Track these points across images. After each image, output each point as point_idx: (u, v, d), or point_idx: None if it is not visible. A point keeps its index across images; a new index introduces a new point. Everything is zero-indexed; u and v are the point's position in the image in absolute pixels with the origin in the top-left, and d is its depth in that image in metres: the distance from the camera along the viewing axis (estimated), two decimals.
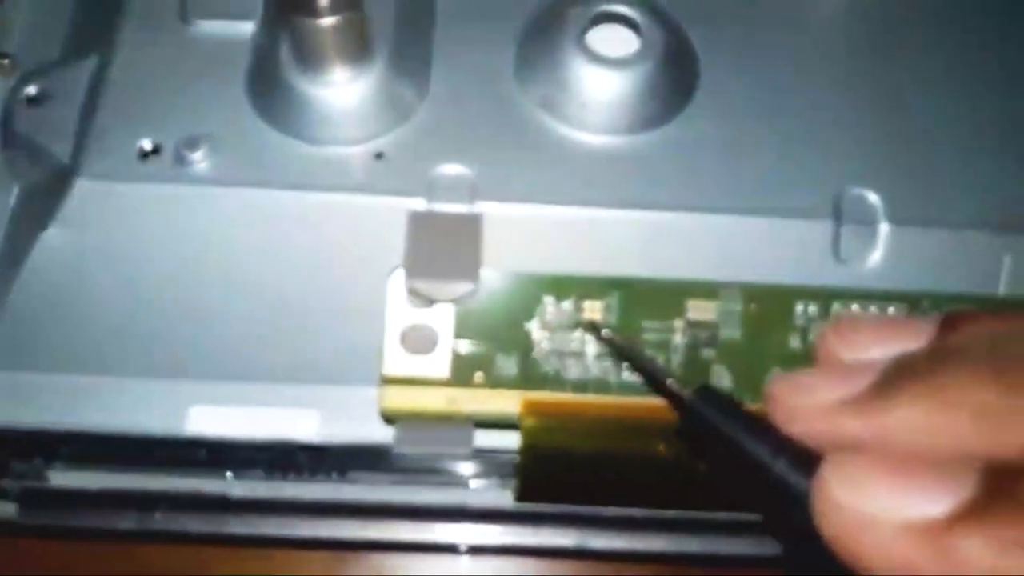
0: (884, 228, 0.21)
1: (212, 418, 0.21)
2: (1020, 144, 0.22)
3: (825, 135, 0.22)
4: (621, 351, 0.19)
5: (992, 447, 0.13)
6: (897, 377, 0.14)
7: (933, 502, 0.12)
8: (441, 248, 0.20)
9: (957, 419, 0.13)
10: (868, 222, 0.21)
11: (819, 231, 0.21)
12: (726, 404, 0.16)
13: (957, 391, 0.13)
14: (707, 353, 0.20)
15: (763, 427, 0.15)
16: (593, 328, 0.19)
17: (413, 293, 0.20)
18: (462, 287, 0.20)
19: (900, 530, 0.12)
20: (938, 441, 0.13)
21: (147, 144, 0.21)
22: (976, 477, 0.12)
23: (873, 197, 0.21)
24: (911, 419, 0.13)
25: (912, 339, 0.15)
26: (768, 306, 0.20)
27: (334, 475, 0.20)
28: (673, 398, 0.17)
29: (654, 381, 0.18)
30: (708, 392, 0.16)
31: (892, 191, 0.21)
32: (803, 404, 0.14)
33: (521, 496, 0.20)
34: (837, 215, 0.21)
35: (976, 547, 0.12)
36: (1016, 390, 0.13)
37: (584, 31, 0.22)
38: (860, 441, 0.14)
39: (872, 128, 0.22)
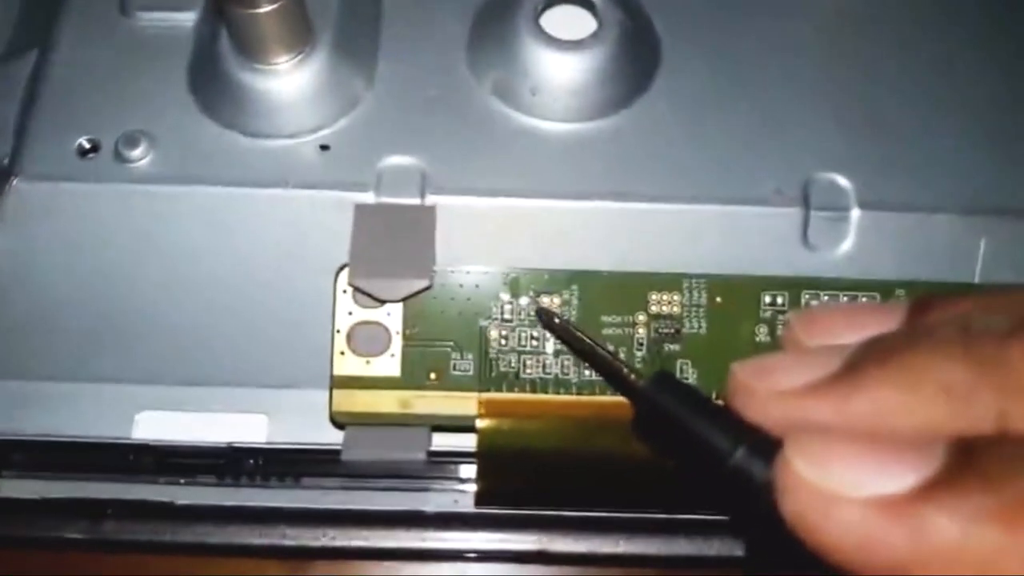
0: (855, 214, 0.20)
1: (160, 423, 0.20)
2: (991, 128, 0.21)
3: (793, 119, 0.21)
4: (575, 341, 0.18)
5: (961, 423, 0.12)
6: (864, 360, 0.13)
7: (899, 476, 0.12)
8: (390, 244, 0.19)
9: (926, 398, 0.12)
10: (838, 208, 0.20)
11: (787, 218, 0.20)
12: (683, 391, 0.15)
13: (926, 370, 0.12)
14: (671, 348, 0.19)
15: (722, 414, 0.14)
16: (547, 316, 0.18)
17: (361, 291, 0.19)
18: (413, 285, 0.19)
19: (865, 505, 0.12)
20: (907, 421, 0.12)
21: (86, 142, 0.20)
22: (943, 451, 0.12)
23: (843, 182, 0.20)
24: (879, 400, 0.13)
25: (882, 324, 0.14)
26: (734, 298, 0.19)
27: (287, 480, 0.20)
28: (628, 388, 0.16)
29: (609, 372, 0.17)
30: (665, 380, 0.15)
31: (862, 176, 0.20)
32: (765, 388, 0.14)
33: (480, 501, 0.19)
34: (806, 202, 0.20)
35: (942, 520, 0.11)
36: (984, 365, 0.12)
37: (539, 13, 0.21)
38: (825, 425, 0.13)
39: (841, 112, 0.21)
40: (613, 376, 0.17)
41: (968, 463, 0.12)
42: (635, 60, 0.21)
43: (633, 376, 0.16)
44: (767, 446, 0.13)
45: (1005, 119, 0.21)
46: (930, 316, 0.14)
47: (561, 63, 0.21)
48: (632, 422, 0.16)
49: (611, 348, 0.19)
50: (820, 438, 0.12)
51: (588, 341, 0.17)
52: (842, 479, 0.12)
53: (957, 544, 0.11)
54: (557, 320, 0.18)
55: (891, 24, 0.22)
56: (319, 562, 0.20)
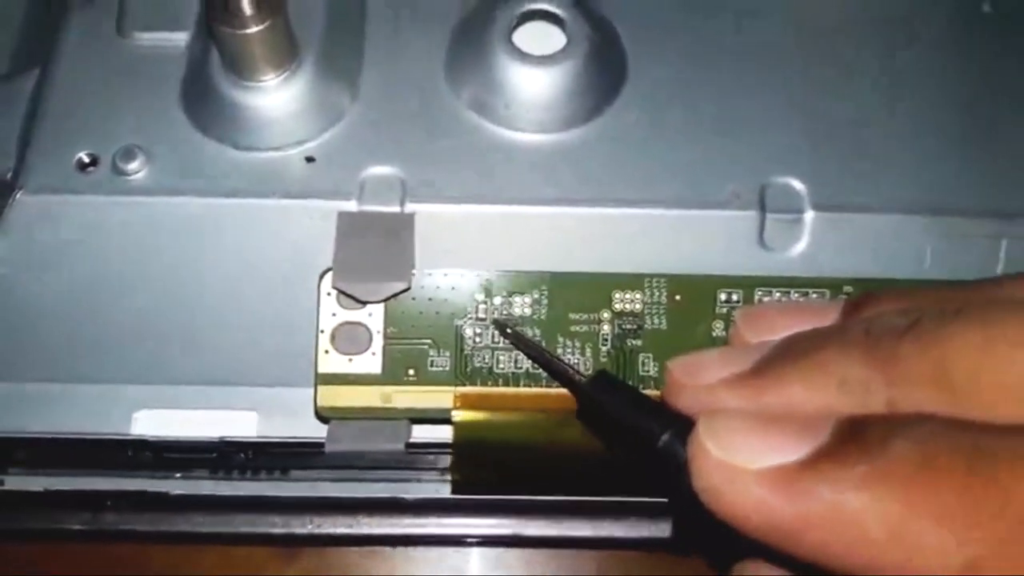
0: (809, 216, 0.21)
1: (156, 421, 0.21)
2: (939, 131, 0.22)
3: (750, 127, 0.22)
4: (526, 347, 0.19)
5: (855, 410, 0.13)
6: (778, 357, 0.15)
7: (788, 450, 0.13)
8: (371, 249, 0.20)
9: (825, 390, 0.14)
10: (793, 211, 0.21)
11: (745, 221, 0.21)
12: (619, 387, 0.16)
13: (827, 365, 0.14)
14: (634, 343, 0.20)
15: (652, 405, 0.16)
16: (501, 326, 0.20)
17: (344, 293, 0.20)
18: (393, 287, 0.20)
19: (759, 476, 0.13)
20: (807, 409, 0.14)
21: (85, 156, 0.22)
22: (831, 429, 0.13)
23: (798, 186, 0.21)
24: (786, 394, 0.14)
25: (816, 321, 0.16)
26: (692, 296, 0.21)
27: (275, 472, 0.21)
28: (571, 385, 0.17)
29: (555, 372, 0.19)
30: (603, 377, 0.17)
31: (816, 179, 0.22)
32: (692, 382, 0.15)
33: (457, 489, 0.20)
34: (762, 205, 0.21)
35: (821, 488, 0.13)
36: (878, 361, 0.13)
37: (511, 30, 0.22)
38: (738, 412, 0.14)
39: (796, 118, 0.22)
40: (559, 375, 0.18)
41: (852, 438, 0.13)
42: (603, 73, 0.22)
43: (576, 376, 0.17)
44: (689, 430, 0.14)
45: (952, 122, 0.23)
46: (862, 313, 0.15)
47: (532, 78, 0.22)
48: (576, 413, 0.17)
49: (557, 353, 0.20)
50: (725, 419, 0.14)
51: (536, 346, 0.19)
52: (741, 454, 0.14)
53: (831, 509, 0.13)
54: (508, 330, 0.20)
55: (842, 33, 0.23)
56: (306, 548, 0.21)
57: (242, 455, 0.21)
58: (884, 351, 0.13)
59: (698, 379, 0.15)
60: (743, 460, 0.13)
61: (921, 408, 0.13)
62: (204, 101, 0.22)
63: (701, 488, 0.14)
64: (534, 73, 0.22)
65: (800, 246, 0.21)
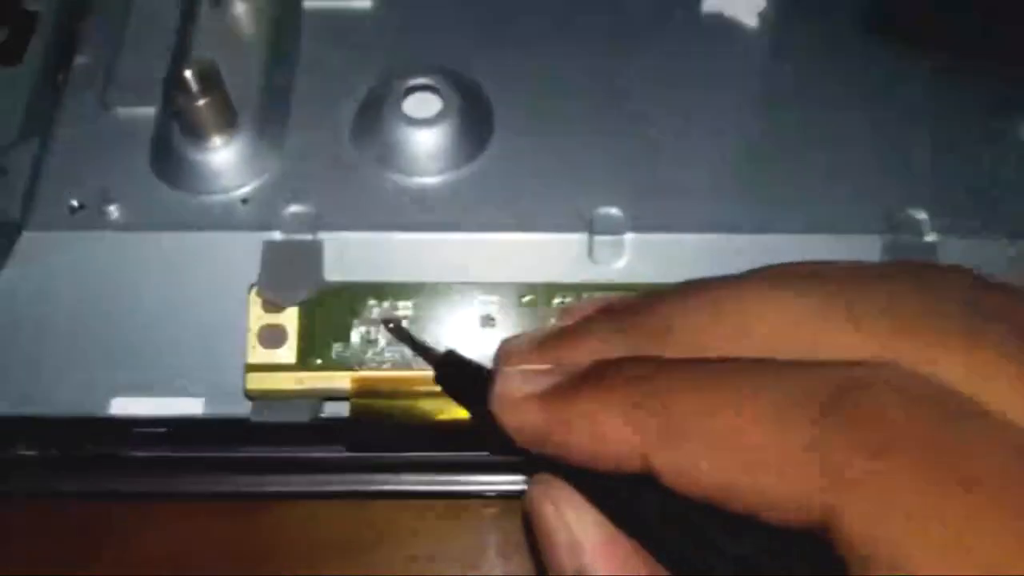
0: (629, 237, 0.28)
1: (127, 404, 0.27)
2: (742, 160, 0.29)
3: (585, 164, 0.29)
4: (403, 337, 0.26)
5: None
6: (566, 329, 0.21)
7: (543, 382, 0.19)
8: (289, 268, 0.27)
9: (587, 347, 0.19)
10: (615, 232, 0.28)
11: (578, 242, 0.28)
12: (465, 364, 0.23)
13: (591, 331, 0.20)
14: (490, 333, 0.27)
15: (478, 368, 0.22)
16: (386, 322, 0.26)
17: (267, 301, 0.26)
18: (305, 295, 0.26)
19: (524, 400, 0.19)
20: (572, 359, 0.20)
21: (75, 202, 0.28)
22: (575, 371, 0.19)
23: (618, 212, 0.28)
24: (562, 350, 0.20)
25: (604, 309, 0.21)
26: (536, 299, 0.27)
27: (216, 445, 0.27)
28: (428, 359, 0.24)
29: (423, 354, 0.25)
30: (450, 354, 0.23)
31: (634, 207, 0.28)
32: (506, 346, 0.21)
33: (351, 448, 0.26)
34: (591, 228, 0.28)
35: (558, 403, 0.18)
36: (628, 327, 0.19)
37: (401, 100, 0.29)
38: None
39: (619, 157, 0.29)
40: (425, 356, 0.24)
41: (585, 375, 0.19)
42: (473, 128, 0.29)
43: (430, 352, 0.24)
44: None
45: (755, 152, 0.29)
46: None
47: (418, 135, 0.28)
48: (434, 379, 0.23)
49: (423, 340, 0.26)
50: (510, 368, 0.20)
51: (409, 336, 0.25)
52: (513, 387, 0.19)
53: (564, 417, 0.18)
54: (391, 325, 0.26)
55: (651, 82, 0.30)
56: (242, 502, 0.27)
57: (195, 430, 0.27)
58: (630, 321, 0.19)
59: (509, 345, 0.21)
60: (514, 391, 0.19)
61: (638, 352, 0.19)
62: (167, 158, 0.29)
63: (499, 419, 0.20)
64: (420, 132, 0.28)
65: (622, 261, 0.28)
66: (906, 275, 0.19)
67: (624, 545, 0.19)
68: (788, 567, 0.17)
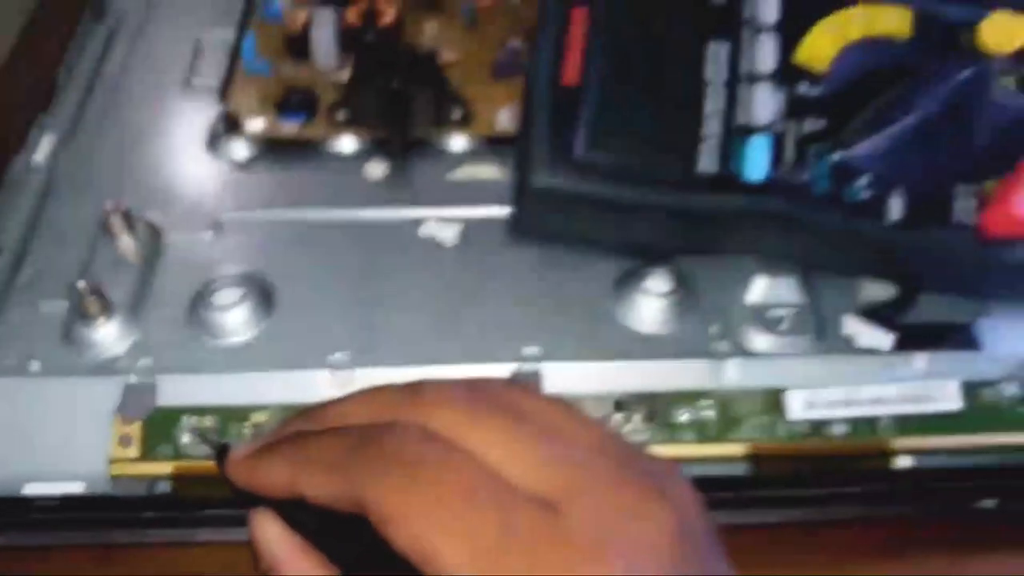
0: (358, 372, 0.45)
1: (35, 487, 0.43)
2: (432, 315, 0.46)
3: (330, 322, 0.46)
4: (204, 439, 0.42)
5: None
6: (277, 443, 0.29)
7: (252, 447, 0.29)
8: (138, 397, 0.44)
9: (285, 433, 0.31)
10: (348, 367, 0.45)
11: (322, 377, 0.45)
12: (225, 447, 0.39)
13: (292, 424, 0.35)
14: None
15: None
16: (193, 430, 0.43)
17: (123, 418, 0.43)
18: (140, 416, 0.43)
19: (238, 459, 0.29)
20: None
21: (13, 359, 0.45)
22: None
23: (345, 356, 0.45)
24: (282, 431, 0.30)
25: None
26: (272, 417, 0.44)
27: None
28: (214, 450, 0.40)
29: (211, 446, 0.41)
30: (223, 447, 0.38)
31: (362, 348, 0.45)
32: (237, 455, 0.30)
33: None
34: (332, 366, 0.45)
35: (252, 461, 0.29)
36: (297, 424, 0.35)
37: (212, 297, 0.46)
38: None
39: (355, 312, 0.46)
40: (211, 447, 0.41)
41: (271, 445, 0.30)
42: (260, 301, 0.46)
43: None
44: None
45: (443, 314, 0.46)
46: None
47: (224, 317, 0.46)
48: None
49: (216, 439, 0.42)
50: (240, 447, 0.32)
51: (206, 436, 0.42)
52: (235, 453, 0.30)
53: (256, 471, 0.29)
54: (197, 431, 0.42)
55: (387, 264, 0.48)
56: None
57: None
58: (309, 412, 0.31)
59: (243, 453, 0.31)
60: (234, 454, 0.30)
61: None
62: (69, 332, 0.46)
63: (225, 470, 0.35)
64: (224, 315, 0.46)
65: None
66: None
67: (309, 553, 0.27)
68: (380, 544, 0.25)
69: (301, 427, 0.30)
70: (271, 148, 0.52)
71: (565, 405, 0.30)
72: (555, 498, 0.25)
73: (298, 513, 0.28)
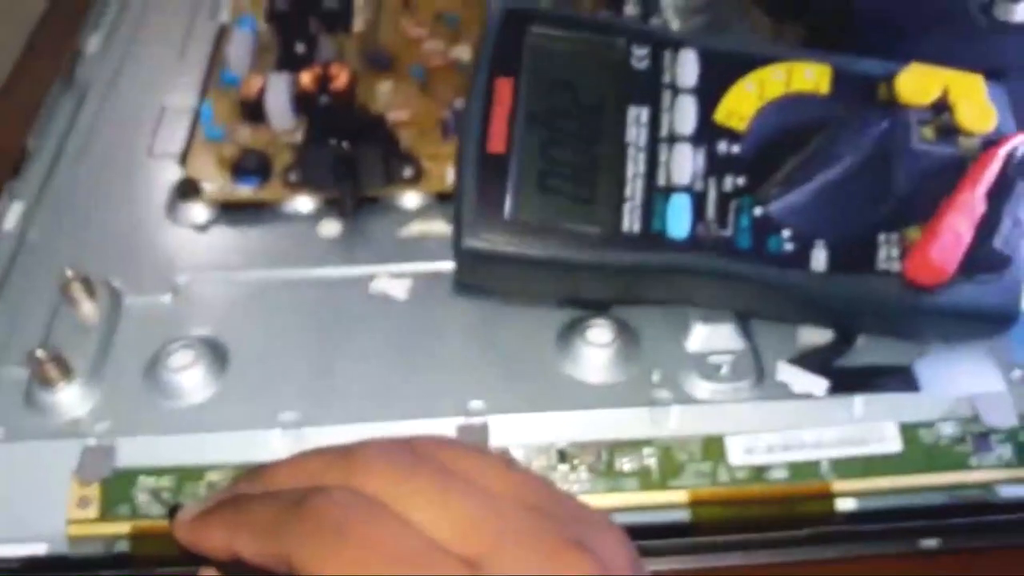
0: (307, 430, 0.46)
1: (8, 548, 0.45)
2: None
3: (278, 380, 0.47)
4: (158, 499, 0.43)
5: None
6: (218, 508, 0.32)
7: (192, 512, 0.33)
8: (91, 462, 0.45)
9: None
10: (297, 427, 0.46)
11: (274, 435, 0.46)
12: (176, 508, 0.40)
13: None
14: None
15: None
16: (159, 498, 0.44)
17: (81, 479, 0.44)
18: (103, 475, 0.45)
19: (183, 522, 0.32)
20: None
21: None
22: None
23: (296, 415, 0.46)
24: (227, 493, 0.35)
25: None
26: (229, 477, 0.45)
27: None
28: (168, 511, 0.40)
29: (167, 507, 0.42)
30: (175, 507, 0.40)
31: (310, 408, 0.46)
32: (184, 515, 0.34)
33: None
34: (291, 426, 0.46)
35: (194, 525, 0.32)
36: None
37: (168, 360, 0.48)
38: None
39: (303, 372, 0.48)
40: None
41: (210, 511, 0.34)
42: (214, 362, 0.48)
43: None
44: None
45: (390, 377, 0.48)
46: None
47: (179, 379, 0.47)
48: None
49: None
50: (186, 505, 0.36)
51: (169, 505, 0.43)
52: (182, 515, 0.33)
53: (188, 532, 0.32)
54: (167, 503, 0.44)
55: (343, 322, 0.49)
56: None
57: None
58: (250, 475, 0.33)
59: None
60: (180, 516, 0.34)
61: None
62: (31, 399, 0.47)
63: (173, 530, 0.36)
64: (189, 375, 0.47)
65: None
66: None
67: None
68: None
69: (243, 490, 0.31)
70: (228, 210, 0.53)
71: (501, 460, 0.32)
72: (480, 558, 0.26)
73: (240, 573, 0.29)
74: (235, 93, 0.59)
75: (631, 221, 0.41)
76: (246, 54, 0.60)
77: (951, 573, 0.45)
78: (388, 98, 0.58)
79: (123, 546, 0.44)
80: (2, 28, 0.73)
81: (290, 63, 0.59)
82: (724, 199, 0.41)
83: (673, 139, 0.41)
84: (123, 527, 0.44)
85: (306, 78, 0.56)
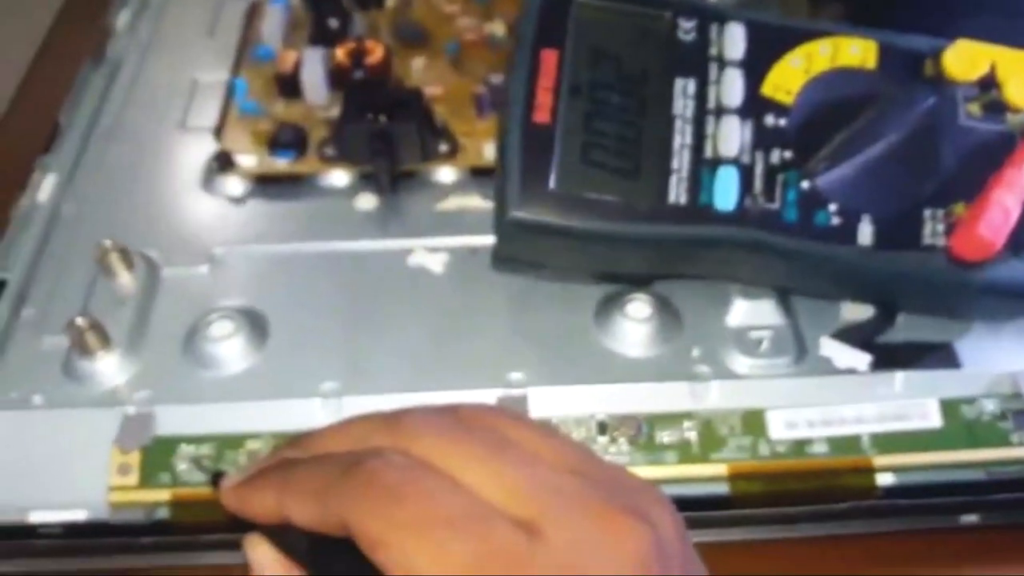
0: (347, 399, 0.46)
1: (44, 516, 0.45)
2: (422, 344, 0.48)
3: (321, 352, 0.47)
4: (199, 466, 0.43)
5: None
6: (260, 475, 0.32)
7: (242, 475, 0.32)
8: (136, 427, 0.45)
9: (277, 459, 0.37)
10: (337, 396, 0.46)
11: (320, 405, 0.46)
12: (219, 474, 0.40)
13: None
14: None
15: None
16: (195, 462, 0.44)
17: (122, 447, 0.44)
18: (140, 444, 0.45)
19: (230, 488, 0.32)
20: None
21: (15, 395, 0.47)
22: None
23: (336, 384, 0.46)
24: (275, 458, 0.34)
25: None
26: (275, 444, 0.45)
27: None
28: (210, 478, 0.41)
29: (208, 474, 0.42)
30: (218, 472, 0.40)
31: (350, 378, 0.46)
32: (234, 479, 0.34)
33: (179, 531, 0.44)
34: (340, 394, 0.46)
35: (242, 490, 0.32)
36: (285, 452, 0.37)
37: (207, 330, 0.48)
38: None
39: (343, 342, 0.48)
40: (208, 474, 0.42)
41: (257, 475, 0.34)
42: (254, 333, 0.48)
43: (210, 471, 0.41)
44: None
45: (431, 344, 0.48)
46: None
47: (219, 349, 0.47)
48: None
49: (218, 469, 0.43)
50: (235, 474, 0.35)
51: (203, 465, 0.43)
52: (228, 480, 0.34)
53: (246, 498, 0.32)
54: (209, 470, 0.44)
55: (377, 291, 0.49)
56: None
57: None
58: (296, 441, 0.33)
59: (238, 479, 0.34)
60: (227, 481, 0.34)
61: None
62: (70, 370, 0.47)
63: (220, 496, 0.36)
64: (220, 346, 0.47)
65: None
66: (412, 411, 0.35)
67: (294, 572, 0.30)
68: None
69: (288, 455, 0.31)
70: (264, 184, 0.53)
71: (545, 428, 0.31)
72: (534, 521, 0.25)
73: (288, 536, 0.29)
74: (268, 68, 0.58)
75: (678, 193, 0.40)
76: (279, 29, 0.60)
77: (991, 548, 0.45)
78: (421, 74, 0.58)
79: (163, 513, 0.44)
80: (32, 5, 0.73)
81: (323, 38, 0.59)
82: (771, 172, 0.41)
83: (720, 111, 0.41)
84: (163, 494, 0.44)
85: (341, 53, 0.56)
